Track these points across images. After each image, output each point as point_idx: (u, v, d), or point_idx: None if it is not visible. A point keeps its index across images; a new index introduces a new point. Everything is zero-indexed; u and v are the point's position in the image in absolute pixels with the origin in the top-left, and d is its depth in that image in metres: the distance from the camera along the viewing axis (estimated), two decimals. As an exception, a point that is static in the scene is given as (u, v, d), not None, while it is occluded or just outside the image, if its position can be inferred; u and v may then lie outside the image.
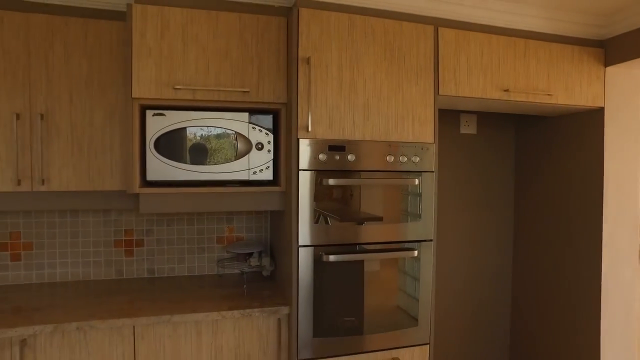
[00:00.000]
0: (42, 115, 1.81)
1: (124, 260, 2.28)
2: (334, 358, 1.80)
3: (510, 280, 2.82)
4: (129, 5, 1.70)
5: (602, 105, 2.19)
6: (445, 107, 2.33)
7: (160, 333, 1.71)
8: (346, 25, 1.76)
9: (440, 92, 1.90)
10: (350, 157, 1.78)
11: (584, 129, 2.30)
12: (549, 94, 2.08)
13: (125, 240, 2.28)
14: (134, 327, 1.68)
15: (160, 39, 1.73)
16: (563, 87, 2.12)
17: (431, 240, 1.91)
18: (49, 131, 1.83)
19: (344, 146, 1.78)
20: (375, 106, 1.80)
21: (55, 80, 1.82)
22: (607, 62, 2.20)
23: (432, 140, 1.89)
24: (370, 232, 1.83)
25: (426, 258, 1.91)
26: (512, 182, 2.80)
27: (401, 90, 1.83)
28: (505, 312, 2.82)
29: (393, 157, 1.83)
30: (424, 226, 1.90)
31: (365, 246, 1.83)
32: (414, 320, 1.91)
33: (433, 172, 1.89)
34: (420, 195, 1.88)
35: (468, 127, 2.68)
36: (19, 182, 1.80)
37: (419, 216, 1.89)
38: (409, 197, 1.88)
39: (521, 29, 2.06)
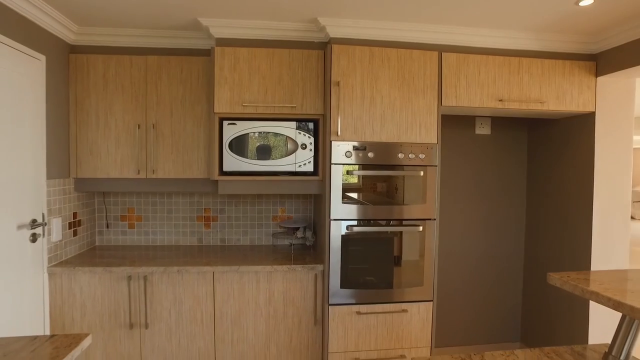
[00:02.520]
0: (153, 125, 2.59)
1: (203, 231, 3.04)
2: (355, 305, 2.41)
3: (523, 259, 3.25)
4: (213, 48, 2.42)
5: (592, 110, 2.59)
6: (452, 114, 2.82)
7: (230, 279, 2.42)
8: (367, 55, 2.35)
9: (443, 104, 2.43)
10: (370, 155, 2.37)
11: (578, 130, 2.70)
12: (540, 102, 2.52)
13: (204, 216, 3.03)
14: (213, 272, 2.41)
15: (233, 70, 2.43)
16: (554, 96, 2.55)
17: (434, 219, 2.45)
18: (157, 136, 2.61)
19: (365, 147, 2.37)
20: (390, 116, 2.38)
21: (162, 101, 2.59)
22: (599, 72, 2.59)
23: (435, 141, 2.43)
24: (385, 211, 2.42)
25: (430, 233, 2.46)
26: (525, 176, 3.22)
27: (410, 103, 2.39)
28: (517, 287, 3.25)
29: (403, 155, 2.40)
30: (428, 208, 2.44)
31: (380, 221, 2.42)
32: (420, 282, 2.47)
33: (436, 166, 2.43)
34: (425, 184, 2.43)
35: (483, 129, 3.14)
36: (138, 172, 2.60)
37: (424, 200, 2.44)
38: (416, 185, 2.44)
39: (515, 48, 2.52)
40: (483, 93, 2.47)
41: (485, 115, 3.06)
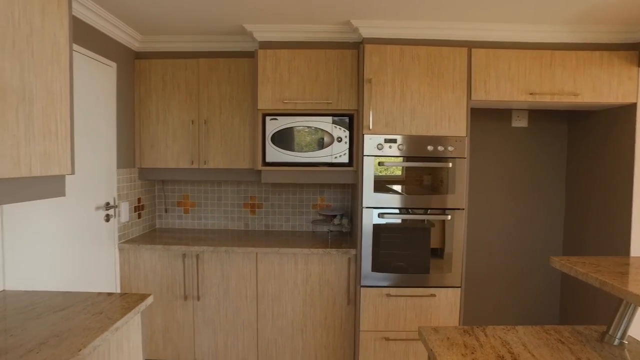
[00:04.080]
0: (205, 121, 2.90)
1: (249, 217, 3.33)
2: (385, 287, 2.58)
3: (561, 250, 3.24)
4: (256, 50, 2.67)
5: (634, 101, 2.55)
6: (485, 107, 2.88)
7: (271, 259, 2.68)
8: (398, 53, 2.49)
9: (472, 98, 2.52)
10: (400, 147, 2.52)
11: (619, 121, 2.66)
12: (574, 94, 2.53)
13: (250, 203, 3.32)
14: (256, 253, 2.68)
15: (274, 71, 2.67)
16: (590, 88, 2.54)
17: (463, 209, 2.56)
18: (208, 131, 2.91)
19: (396, 139, 2.53)
20: (420, 110, 2.51)
21: (212, 99, 2.89)
22: (641, 62, 2.54)
23: (464, 134, 2.53)
24: (415, 200, 2.56)
25: (459, 222, 2.57)
26: (564, 167, 3.20)
27: (440, 98, 2.51)
28: (555, 277, 3.25)
29: (432, 147, 2.52)
30: (457, 198, 2.55)
31: (410, 210, 2.57)
32: (449, 268, 2.59)
33: (465, 158, 2.53)
34: (454, 175, 2.54)
35: (519, 121, 3.17)
36: (191, 162, 2.92)
37: (454, 190, 2.55)
38: (445, 176, 2.55)
39: (548, 42, 2.54)
40: (513, 87, 2.52)
41: (522, 108, 3.08)
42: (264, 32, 2.64)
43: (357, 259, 2.61)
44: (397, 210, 2.57)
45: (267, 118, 2.73)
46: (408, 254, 2.59)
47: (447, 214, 2.55)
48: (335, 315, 2.68)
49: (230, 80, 2.88)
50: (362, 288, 2.58)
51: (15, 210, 1.83)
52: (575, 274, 1.31)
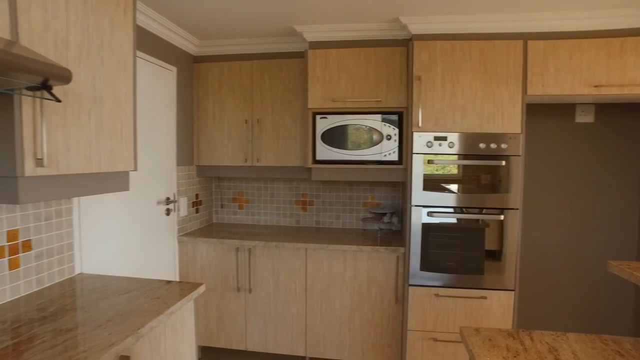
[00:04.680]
0: (258, 120, 3.01)
1: (300, 214, 3.41)
2: (434, 287, 2.55)
3: (636, 253, 3.00)
4: (306, 51, 2.74)
5: None
6: (544, 102, 2.72)
7: (320, 255, 2.73)
8: (448, 49, 2.44)
9: (528, 93, 2.40)
10: (450, 145, 2.47)
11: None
12: (647, 86, 2.33)
13: (302, 200, 3.40)
14: (306, 249, 2.74)
15: (324, 70, 2.72)
16: (666, 79, 2.33)
17: (517, 209, 2.46)
18: (261, 129, 3.02)
19: (446, 137, 2.48)
20: (471, 107, 2.44)
21: (265, 99, 3.00)
22: None
23: (519, 131, 2.42)
24: (466, 199, 2.49)
25: (513, 223, 2.46)
26: (638, 168, 2.95)
27: (492, 94, 2.42)
28: (628, 289, 3.01)
29: (484, 144, 2.44)
30: (511, 197, 2.45)
31: (461, 209, 2.51)
32: (501, 270, 2.49)
33: (520, 156, 2.42)
34: (508, 173, 2.45)
35: (584, 116, 2.96)
36: (245, 160, 3.05)
37: (507, 189, 2.45)
38: (498, 175, 2.46)
39: (617, 28, 2.35)
40: (575, 79, 2.37)
41: (587, 102, 2.88)
42: (313, 33, 2.70)
43: (406, 257, 2.60)
44: (446, 209, 2.52)
45: (317, 117, 2.79)
46: (458, 253, 2.53)
47: (500, 214, 2.46)
48: (383, 313, 2.69)
49: (282, 80, 2.97)
50: (410, 287, 2.57)
51: (89, 203, 2.03)
52: (636, 281, 1.22)
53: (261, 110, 3.02)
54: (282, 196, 3.43)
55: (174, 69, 2.81)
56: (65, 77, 1.15)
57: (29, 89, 1.16)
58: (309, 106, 2.78)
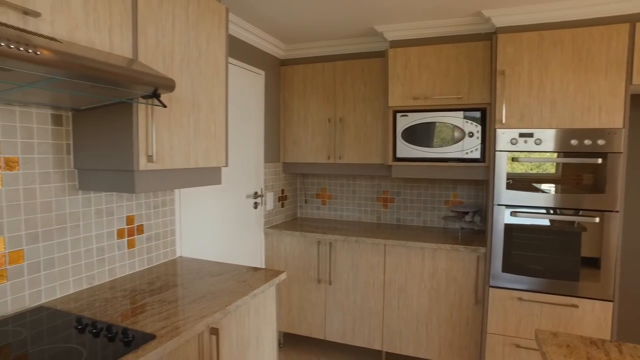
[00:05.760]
0: (340, 119, 3.13)
1: (381, 211, 3.46)
2: (517, 290, 2.43)
3: None
4: (387, 50, 2.78)
5: None
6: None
7: (399, 252, 2.76)
8: (536, 41, 2.31)
9: (634, 82, 2.18)
10: (537, 141, 2.34)
11: None
12: None
13: (383, 197, 3.45)
14: (385, 245, 2.80)
15: (404, 68, 2.74)
16: None
17: (617, 211, 2.24)
18: (343, 128, 3.14)
19: (532, 133, 2.35)
20: (562, 101, 2.29)
21: (347, 98, 3.10)
22: None
23: (621, 126, 2.21)
24: (554, 199, 2.34)
25: (611, 226, 2.26)
26: None
27: (588, 86, 2.24)
28: None
29: (577, 141, 2.27)
30: (608, 199, 2.25)
31: (548, 209, 2.36)
32: (596, 277, 2.30)
33: (621, 153, 2.21)
34: (605, 172, 2.25)
35: None
36: (328, 157, 3.19)
37: (603, 190, 2.26)
38: (593, 174, 2.27)
39: None
40: (692, 67, 2.10)
41: None
42: (393, 32, 2.73)
43: (487, 258, 2.52)
44: (533, 210, 2.39)
45: (398, 115, 2.82)
46: (546, 257, 2.39)
47: (595, 216, 2.27)
48: (462, 314, 2.63)
49: (364, 80, 3.05)
50: (490, 288, 2.49)
51: (187, 195, 2.31)
52: None
53: (343, 110, 3.13)
54: (364, 193, 3.51)
55: (262, 72, 3.04)
56: (170, 86, 1.36)
57: (143, 97, 1.39)
58: (390, 104, 2.82)
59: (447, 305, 2.67)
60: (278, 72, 3.29)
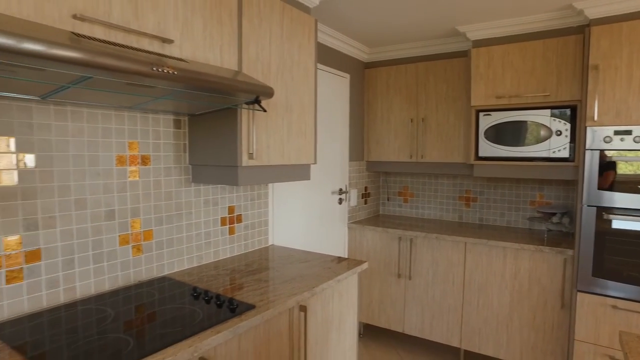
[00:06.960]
0: (422, 119, 3.20)
1: (463, 210, 3.45)
2: (610, 297, 2.31)
3: None
4: (469, 50, 2.79)
5: None
6: None
7: (480, 250, 2.77)
8: (638, 31, 2.18)
9: None
10: (636, 139, 2.21)
11: None
12: None
13: (465, 196, 3.44)
14: (465, 243, 2.81)
15: (487, 68, 2.73)
16: None
17: None
18: (425, 128, 3.20)
19: (631, 130, 2.22)
20: (666, 96, 2.14)
21: (429, 99, 3.16)
22: None
23: None
24: (655, 202, 2.20)
25: None
26: None
27: (697, 80, 2.07)
28: None
29: (684, 139, 2.11)
30: None
31: (648, 213, 2.22)
32: None
33: None
34: None
35: None
36: (410, 156, 3.27)
37: None
38: None
39: None
40: None
41: None
42: (476, 31, 2.74)
43: (575, 260, 2.43)
44: (628, 211, 2.26)
45: (481, 114, 2.82)
46: (644, 262, 2.24)
47: None
48: (546, 317, 2.57)
49: (446, 80, 3.08)
50: (578, 293, 2.40)
51: (279, 189, 2.57)
52: None
53: (426, 109, 3.19)
54: (446, 192, 3.52)
55: (348, 75, 3.22)
56: (270, 93, 1.59)
57: (246, 103, 1.64)
58: (472, 104, 2.83)
59: (529, 307, 2.61)
60: (362, 74, 3.44)
